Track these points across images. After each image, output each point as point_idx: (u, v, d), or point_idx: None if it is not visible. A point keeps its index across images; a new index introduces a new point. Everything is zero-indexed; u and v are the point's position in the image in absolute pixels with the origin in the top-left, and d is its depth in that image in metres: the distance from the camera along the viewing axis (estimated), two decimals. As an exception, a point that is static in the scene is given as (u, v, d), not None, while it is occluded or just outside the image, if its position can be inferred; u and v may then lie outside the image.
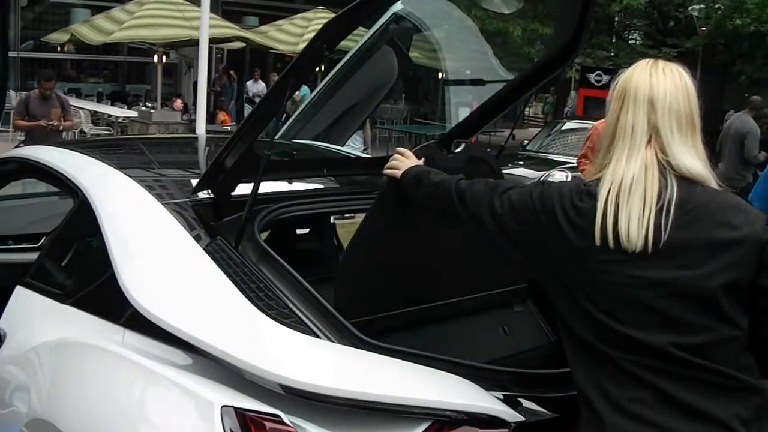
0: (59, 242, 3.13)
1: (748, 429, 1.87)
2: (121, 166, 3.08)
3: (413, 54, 4.37)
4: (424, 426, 2.06)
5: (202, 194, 2.83)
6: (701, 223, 1.91)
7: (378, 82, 4.30)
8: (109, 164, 3.13)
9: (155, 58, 17.90)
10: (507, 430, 2.09)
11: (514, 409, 2.13)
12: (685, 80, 2.02)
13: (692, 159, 1.97)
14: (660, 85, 1.99)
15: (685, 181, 1.95)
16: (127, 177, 2.95)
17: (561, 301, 2.02)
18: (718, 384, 1.88)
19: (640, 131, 1.98)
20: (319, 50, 2.36)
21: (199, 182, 2.81)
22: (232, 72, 21.22)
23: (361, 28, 3.29)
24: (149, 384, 2.31)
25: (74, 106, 13.64)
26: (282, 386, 2.03)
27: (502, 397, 2.16)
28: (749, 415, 1.88)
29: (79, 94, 19.86)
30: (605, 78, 20.75)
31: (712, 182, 1.99)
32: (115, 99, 20.31)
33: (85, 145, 4.35)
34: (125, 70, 23.82)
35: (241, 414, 2.04)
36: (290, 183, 3.21)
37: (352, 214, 9.95)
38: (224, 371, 2.19)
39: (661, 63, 2.05)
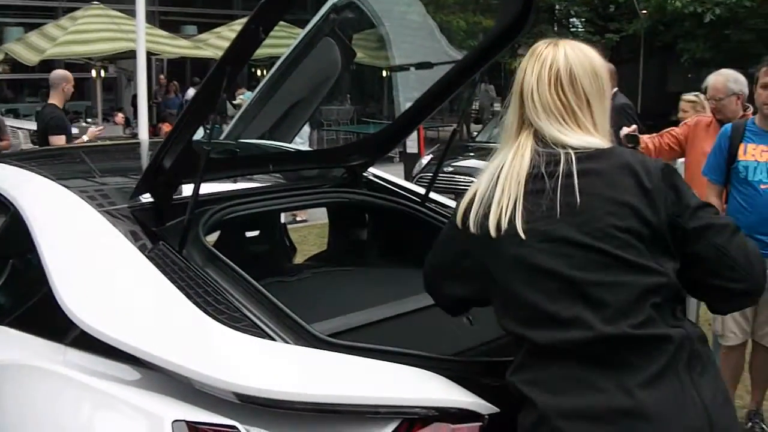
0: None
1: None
2: (55, 176, 2.92)
3: (357, 47, 4.25)
4: (393, 426, 1.93)
5: (144, 199, 2.68)
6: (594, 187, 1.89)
7: (322, 75, 4.16)
8: (41, 174, 2.97)
9: (93, 73, 17.52)
10: (481, 422, 1.96)
11: (487, 400, 2.00)
12: (559, 64, 1.98)
13: (578, 138, 1.94)
14: (529, 72, 2.00)
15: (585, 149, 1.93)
16: (61, 186, 2.79)
17: (495, 299, 2.00)
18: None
19: (511, 122, 2.02)
20: (254, 34, 2.21)
21: (137, 186, 2.66)
22: (175, 83, 20.87)
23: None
24: (95, 404, 2.14)
25: (11, 126, 13.27)
26: (236, 395, 1.88)
27: (473, 388, 2.02)
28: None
29: (17, 115, 19.38)
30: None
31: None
32: (55, 117, 19.82)
33: (20, 157, 4.16)
34: (63, 87, 23.31)
35: (194, 428, 1.89)
36: (234, 182, 3.06)
37: (305, 219, 9.88)
38: (175, 384, 2.03)
39: (541, 47, 2.03)
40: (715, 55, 19.90)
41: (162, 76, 21.02)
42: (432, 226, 3.12)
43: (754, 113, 5.15)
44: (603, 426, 1.76)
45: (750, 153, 4.45)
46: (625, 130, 5.58)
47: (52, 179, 2.88)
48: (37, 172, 3.02)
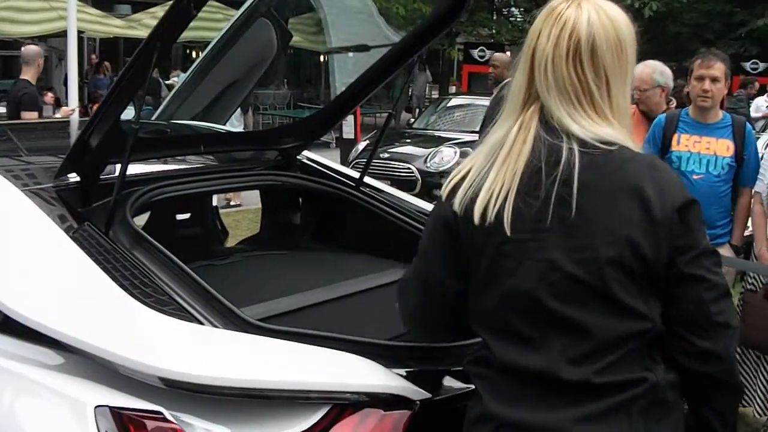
0: None
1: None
2: None
3: (294, 30, 4.19)
4: (323, 411, 1.90)
5: (71, 178, 2.60)
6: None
7: (257, 57, 4.08)
8: None
9: (22, 51, 17.04)
10: (412, 408, 1.94)
11: (419, 386, 1.98)
12: (581, 31, 1.67)
13: (589, 126, 1.68)
14: (543, 38, 1.71)
15: (592, 147, 1.67)
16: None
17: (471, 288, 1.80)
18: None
19: (518, 92, 1.75)
20: (185, 9, 2.15)
21: (62, 165, 2.58)
22: (106, 63, 20.43)
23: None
24: (16, 389, 2.07)
25: (-65, 104, 12.84)
26: (162, 379, 1.83)
27: (405, 374, 2.00)
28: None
29: (-59, 92, 18.77)
30: (489, 53, 20.95)
31: (632, 146, 1.71)
32: (-19, 95, 19.29)
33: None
34: (-9, 64, 22.69)
35: (117, 414, 1.83)
36: (165, 163, 2.99)
37: (239, 203, 9.76)
38: (99, 369, 1.97)
39: (562, 5, 1.71)
40: (652, 48, 20.22)
41: (94, 56, 20.56)
42: (366, 211, 3.10)
43: (676, 107, 5.24)
44: None
45: (683, 144, 4.53)
46: None
47: None
48: None
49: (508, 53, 23.71)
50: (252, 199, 7.54)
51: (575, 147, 1.66)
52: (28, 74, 7.64)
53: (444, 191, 1.80)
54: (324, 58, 20.36)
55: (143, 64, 2.25)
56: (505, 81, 7.86)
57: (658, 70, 5.17)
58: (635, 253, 1.63)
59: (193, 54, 20.03)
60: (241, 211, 9.22)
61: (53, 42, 18.83)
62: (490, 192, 1.69)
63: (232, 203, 9.88)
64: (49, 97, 16.52)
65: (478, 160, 1.76)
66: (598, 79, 1.68)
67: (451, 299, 1.83)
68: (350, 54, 4.00)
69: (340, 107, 3.36)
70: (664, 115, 4.75)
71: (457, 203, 1.74)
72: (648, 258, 1.64)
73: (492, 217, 1.68)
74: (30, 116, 7.22)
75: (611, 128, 1.69)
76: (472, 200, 1.71)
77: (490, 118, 7.93)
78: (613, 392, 1.65)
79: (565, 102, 1.68)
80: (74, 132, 3.92)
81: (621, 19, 1.72)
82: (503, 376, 1.72)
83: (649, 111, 5.17)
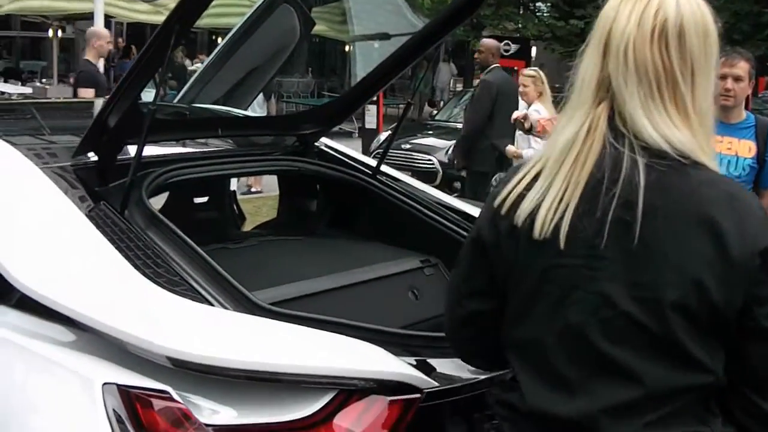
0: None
1: None
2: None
3: (318, 19, 4.19)
4: (329, 396, 1.89)
5: (90, 157, 2.61)
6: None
7: (279, 43, 4.09)
8: None
9: (50, 33, 17.18)
10: (419, 396, 1.94)
11: (427, 374, 1.98)
12: (668, 12, 1.46)
13: (664, 127, 1.46)
14: (623, 17, 1.48)
15: (663, 158, 1.45)
16: (2, 142, 2.70)
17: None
18: None
19: (588, 81, 1.53)
20: (205, -9, 2.15)
21: (80, 144, 2.59)
22: (133, 47, 20.53)
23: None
24: (27, 364, 2.08)
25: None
26: (170, 359, 1.83)
27: (414, 362, 2.00)
28: None
29: (-23, 75, 18.95)
30: (513, 47, 20.87)
31: (709, 162, 1.49)
32: (9, 76, 19.44)
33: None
34: (19, 46, 22.87)
35: (125, 391, 1.84)
36: (182, 145, 2.99)
37: (260, 190, 9.77)
38: (110, 347, 1.98)
39: None
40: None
41: (120, 40, 20.66)
42: (382, 199, 3.09)
43: None
44: None
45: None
46: (514, 115, 5.44)
47: None
48: None
49: (534, 48, 23.61)
50: (273, 186, 7.53)
51: (640, 159, 1.45)
52: (89, 54, 8.07)
53: (502, 201, 1.57)
54: (349, 48, 20.37)
55: (161, 45, 2.25)
56: (491, 66, 7.81)
57: None
58: (703, 297, 1.41)
59: (219, 40, 20.05)
60: (262, 198, 9.23)
61: (81, 25, 18.95)
62: (550, 204, 1.48)
63: (253, 189, 9.89)
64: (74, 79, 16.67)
65: (549, 162, 1.53)
66: (684, 66, 1.46)
67: (469, 318, 1.71)
68: (374, 43, 4.00)
69: (360, 95, 3.35)
70: None
71: (517, 213, 1.53)
72: (718, 305, 1.42)
73: (547, 233, 1.48)
74: (86, 93, 7.62)
75: (689, 132, 1.47)
76: (533, 212, 1.50)
77: (477, 101, 7.89)
78: None
79: (644, 93, 1.46)
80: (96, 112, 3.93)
81: (707, 9, 1.51)
82: (535, 425, 1.55)
83: None
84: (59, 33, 17.44)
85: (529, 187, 1.53)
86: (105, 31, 8.43)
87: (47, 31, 17.64)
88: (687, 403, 1.47)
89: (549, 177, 1.51)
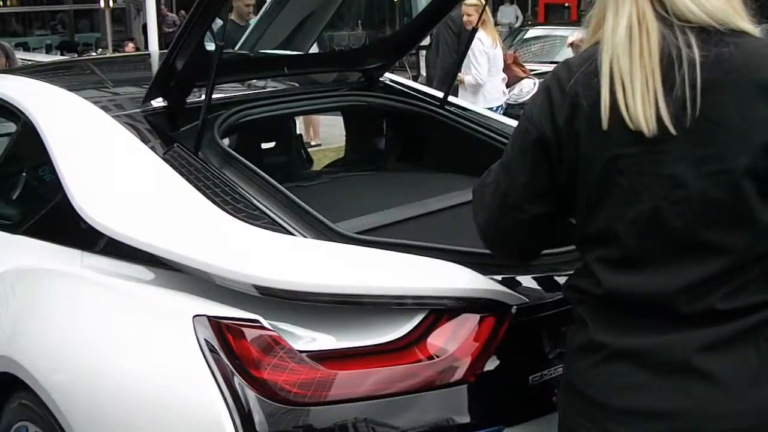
0: (3, 171, 2.89)
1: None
2: (65, 85, 2.86)
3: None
4: (420, 317, 1.88)
5: (157, 104, 2.61)
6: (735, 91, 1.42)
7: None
8: (52, 83, 2.91)
9: (102, 3, 17.35)
10: (509, 313, 1.91)
11: (515, 291, 1.95)
12: None
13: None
14: None
15: (709, 34, 1.43)
16: (70, 92, 2.73)
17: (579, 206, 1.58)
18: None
19: None
20: None
21: (149, 89, 2.59)
22: (183, 12, 20.61)
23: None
24: (114, 302, 2.12)
25: (22, 59, 13.14)
26: (257, 287, 1.84)
27: (500, 279, 1.97)
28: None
29: (27, 48, 19.21)
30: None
31: (750, 29, 1.46)
32: (65, 49, 19.72)
33: (30, 70, 4.09)
34: (72, 19, 23.14)
35: (216, 322, 1.84)
36: (248, 86, 2.98)
37: (318, 143, 9.79)
38: (193, 282, 2.00)
39: None
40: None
41: (164, 8, 20.75)
42: (452, 128, 3.04)
43: None
44: (654, 376, 1.48)
45: None
46: (569, 39, 5.33)
47: (64, 88, 2.81)
48: (48, 83, 2.95)
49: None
50: (332, 138, 7.52)
51: (692, 39, 1.43)
52: (234, 15, 7.75)
53: (562, 95, 1.52)
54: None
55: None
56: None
57: None
58: None
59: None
60: (322, 150, 9.21)
61: (130, -7, 19.14)
62: (633, 95, 1.43)
63: (312, 143, 9.89)
64: (130, 47, 16.84)
65: (603, 62, 1.47)
66: None
67: (528, 222, 1.65)
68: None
69: (422, 25, 3.29)
70: None
71: (585, 108, 1.49)
72: None
73: (641, 117, 1.43)
74: None
75: (723, 4, 1.45)
76: (613, 104, 1.45)
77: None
78: (740, 317, 1.46)
79: None
80: (155, 63, 3.95)
81: None
82: (611, 305, 1.54)
83: None
84: (110, 3, 17.57)
85: (590, 82, 1.49)
86: None
87: (99, 2, 17.78)
88: (763, 272, 1.47)
89: (624, 70, 1.45)
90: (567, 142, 1.53)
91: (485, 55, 7.07)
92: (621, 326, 1.53)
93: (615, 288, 1.52)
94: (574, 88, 1.51)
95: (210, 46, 2.49)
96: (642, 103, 1.43)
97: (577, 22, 18.38)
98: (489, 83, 7.23)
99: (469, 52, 6.45)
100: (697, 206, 1.44)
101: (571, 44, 6.13)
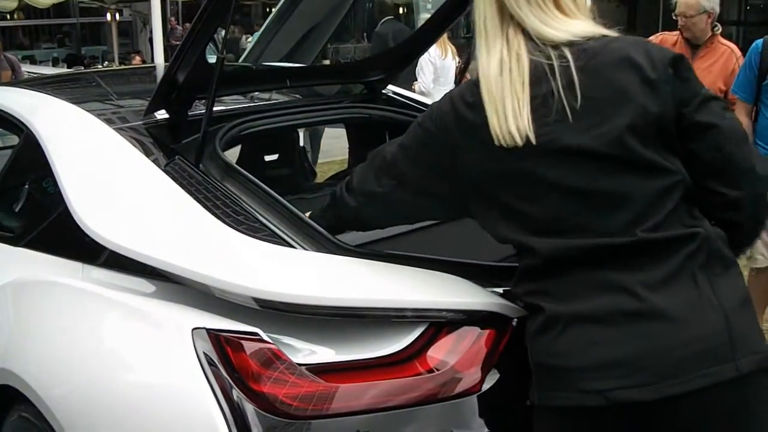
0: (5, 184, 2.89)
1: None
2: (69, 98, 2.86)
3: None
4: (420, 330, 1.88)
5: (159, 116, 2.62)
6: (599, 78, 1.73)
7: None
8: (55, 96, 2.91)
9: (108, 17, 17.42)
10: (510, 326, 1.90)
11: (516, 303, 1.93)
12: None
13: (563, 26, 1.76)
14: None
15: (577, 43, 1.74)
16: (73, 105, 2.73)
17: (490, 214, 1.84)
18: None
19: (490, 16, 1.81)
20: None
21: (151, 102, 2.59)
22: (188, 24, 20.69)
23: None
24: (113, 314, 2.11)
25: (28, 71, 13.20)
26: (256, 300, 1.83)
27: (501, 292, 1.96)
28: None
29: (33, 61, 19.33)
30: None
31: (608, 32, 1.79)
32: (72, 62, 19.80)
33: (33, 82, 4.10)
34: (79, 32, 23.23)
35: (215, 335, 1.84)
36: (250, 99, 2.98)
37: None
38: (193, 295, 1.99)
39: None
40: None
41: (173, 19, 20.83)
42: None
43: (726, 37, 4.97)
44: (612, 329, 1.67)
45: None
46: None
47: (66, 101, 2.82)
48: (51, 95, 2.96)
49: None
50: (337, 150, 7.54)
51: (563, 48, 1.73)
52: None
53: (446, 118, 1.83)
54: (403, 10, 20.19)
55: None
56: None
57: None
58: (645, 114, 1.70)
59: (272, 11, 20.10)
60: (327, 162, 9.23)
61: (137, 6, 19.21)
62: (505, 110, 1.73)
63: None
64: (136, 60, 16.91)
65: (482, 88, 1.77)
66: None
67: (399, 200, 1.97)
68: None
69: (423, 38, 3.30)
70: (762, 40, 4.52)
71: (467, 129, 1.78)
72: (658, 116, 1.71)
73: (513, 131, 1.71)
74: None
75: (584, 24, 1.78)
76: (485, 123, 1.74)
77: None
78: (669, 251, 1.69)
79: (535, 9, 1.75)
80: (159, 75, 3.95)
81: None
82: (554, 275, 1.73)
83: (693, 38, 4.90)
84: (117, 17, 17.64)
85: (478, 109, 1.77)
86: None
87: (105, 15, 17.86)
88: (672, 211, 1.72)
89: (497, 96, 1.73)
90: (467, 148, 1.80)
91: (431, 65, 7.18)
92: (569, 294, 1.71)
93: (552, 252, 1.72)
94: (471, 105, 1.78)
95: (212, 59, 2.50)
96: (513, 120, 1.72)
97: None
98: (436, 93, 7.29)
99: (419, 61, 6.69)
100: (594, 165, 1.71)
101: None
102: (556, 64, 1.72)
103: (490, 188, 1.80)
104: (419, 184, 1.92)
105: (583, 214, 1.72)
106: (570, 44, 1.74)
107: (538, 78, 1.73)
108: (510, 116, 1.72)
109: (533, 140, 1.71)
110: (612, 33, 1.79)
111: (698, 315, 1.67)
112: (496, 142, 1.73)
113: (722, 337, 1.66)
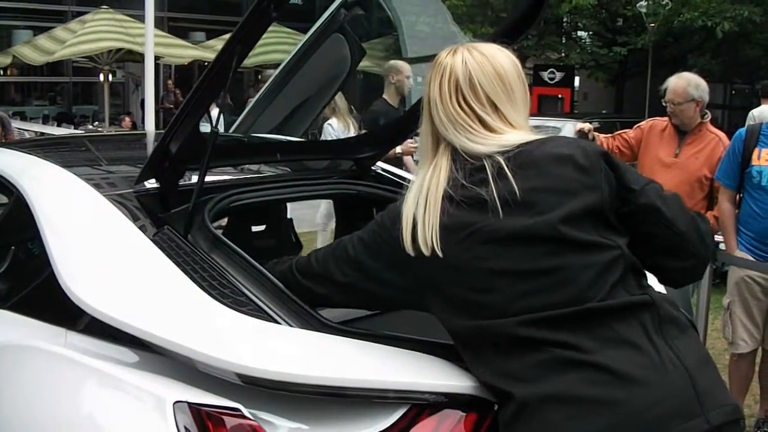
0: (-8, 244, 2.89)
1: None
2: (59, 161, 2.88)
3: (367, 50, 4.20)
4: (401, 411, 1.88)
5: (149, 185, 2.64)
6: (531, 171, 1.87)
7: (331, 72, 4.11)
8: (46, 159, 2.94)
9: (101, 77, 17.56)
10: (491, 409, 1.91)
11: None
12: (457, 72, 1.95)
13: (491, 142, 1.91)
14: (431, 87, 1.99)
15: (508, 150, 1.89)
16: (64, 170, 2.75)
17: (439, 305, 1.95)
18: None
19: (426, 138, 2.01)
20: (265, 12, 2.17)
21: (143, 171, 2.61)
22: (178, 91, 20.84)
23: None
24: (96, 383, 2.09)
25: (18, 128, 13.26)
26: (239, 376, 1.83)
27: None
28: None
29: (24, 118, 19.39)
30: (558, 75, 20.80)
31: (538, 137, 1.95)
32: (62, 120, 19.89)
33: (24, 144, 4.12)
34: (71, 91, 23.40)
35: (196, 409, 1.83)
36: (240, 171, 3.01)
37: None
38: (176, 367, 1.99)
39: (442, 56, 2.00)
40: (724, 69, 19.77)
41: (170, 82, 21.03)
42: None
43: (711, 121, 5.08)
44: (583, 404, 1.73)
45: (764, 158, 4.39)
46: (578, 126, 5.41)
47: (57, 165, 2.84)
48: (41, 158, 2.98)
49: (578, 77, 23.38)
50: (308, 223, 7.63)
51: (496, 155, 1.87)
52: (387, 92, 7.19)
53: (396, 232, 1.96)
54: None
55: (223, 67, 2.27)
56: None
57: (693, 83, 4.96)
58: (580, 199, 1.83)
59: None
60: (314, 231, 9.24)
61: (131, 68, 19.40)
62: (424, 224, 1.89)
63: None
64: (126, 121, 17.02)
65: (407, 203, 1.95)
66: (483, 108, 1.93)
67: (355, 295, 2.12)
68: (425, 66, 3.99)
69: (414, 117, 3.35)
70: (744, 128, 4.62)
71: (407, 243, 1.92)
72: (594, 202, 1.85)
73: (432, 243, 1.87)
74: None
75: (516, 135, 1.92)
76: (413, 238, 1.91)
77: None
78: (622, 318, 1.79)
79: (463, 132, 1.91)
80: (150, 143, 3.99)
81: (496, 52, 1.97)
82: (515, 357, 1.80)
83: (681, 125, 5.00)
84: (110, 77, 17.79)
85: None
86: (405, 65, 7.11)
87: (98, 75, 18.01)
88: (615, 285, 1.82)
89: (414, 209, 1.92)
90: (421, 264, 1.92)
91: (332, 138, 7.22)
92: (535, 374, 1.78)
93: (511, 332, 1.80)
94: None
95: (205, 127, 2.53)
96: (422, 232, 1.89)
97: (570, 114, 18.75)
98: None
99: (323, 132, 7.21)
100: (534, 250, 1.82)
101: (580, 130, 6.19)
102: (488, 168, 1.86)
103: (444, 284, 1.91)
104: (379, 277, 2.04)
105: (533, 295, 1.81)
106: (502, 153, 1.88)
107: (459, 185, 1.88)
108: (419, 231, 1.89)
109: (439, 253, 1.85)
110: (539, 135, 1.95)
111: (662, 376, 1.74)
112: (412, 254, 1.90)
113: (689, 394, 1.75)
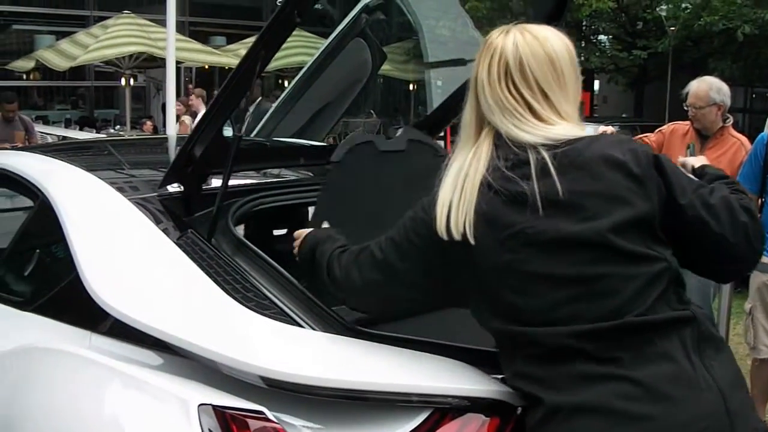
0: (18, 248, 2.92)
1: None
2: (83, 165, 2.91)
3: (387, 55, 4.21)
4: (424, 415, 1.88)
5: (172, 188, 2.65)
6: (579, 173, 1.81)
7: (352, 76, 4.13)
8: (70, 163, 2.96)
9: (123, 82, 17.65)
10: (514, 414, 1.91)
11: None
12: (508, 55, 1.87)
13: (539, 131, 1.84)
14: (479, 68, 1.92)
15: (554, 145, 1.82)
16: (89, 174, 2.78)
17: (481, 304, 1.91)
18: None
19: (469, 121, 1.94)
20: (289, 16, 2.18)
21: (166, 174, 2.63)
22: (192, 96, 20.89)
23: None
24: (120, 386, 2.11)
25: (41, 132, 13.38)
26: (263, 379, 1.84)
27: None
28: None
29: (46, 121, 19.58)
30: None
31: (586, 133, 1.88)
32: (84, 124, 20.03)
33: (48, 148, 4.16)
34: (93, 95, 23.60)
35: (220, 412, 1.84)
36: (263, 175, 3.03)
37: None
38: (201, 369, 2.00)
39: (493, 37, 1.93)
40: (744, 72, 19.63)
41: (191, 86, 21.10)
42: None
43: (732, 125, 5.04)
44: (614, 416, 1.70)
45: None
46: (599, 129, 5.40)
47: (81, 168, 2.86)
48: (66, 162, 3.01)
49: (597, 81, 23.25)
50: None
51: (540, 149, 1.81)
52: None
53: (433, 222, 1.89)
54: (413, 87, 20.46)
55: (247, 71, 2.28)
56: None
57: (714, 87, 4.93)
58: (631, 208, 1.78)
59: (285, 83, 20.37)
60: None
61: (152, 72, 19.50)
62: (461, 210, 1.83)
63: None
64: (147, 125, 17.08)
65: (445, 189, 1.88)
66: (533, 94, 1.86)
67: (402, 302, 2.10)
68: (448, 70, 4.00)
69: (436, 122, 3.36)
70: (766, 132, 4.59)
71: (449, 230, 1.85)
72: (645, 210, 1.79)
73: (470, 230, 1.82)
74: None
75: (564, 128, 1.85)
76: (455, 224, 1.84)
77: None
78: (661, 334, 1.74)
79: (510, 117, 1.84)
80: (172, 147, 4.01)
81: (550, 35, 1.90)
82: (549, 364, 1.77)
83: (703, 129, 4.97)
84: (131, 82, 17.88)
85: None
86: None
87: (120, 79, 18.11)
88: (661, 294, 1.77)
89: (453, 194, 1.86)
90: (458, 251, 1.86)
91: None
92: (568, 384, 1.74)
93: (548, 341, 1.76)
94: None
95: (228, 131, 2.55)
96: (454, 218, 1.84)
97: (590, 117, 18.68)
98: None
99: None
100: (582, 255, 1.77)
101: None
102: (532, 163, 1.80)
103: (482, 281, 1.86)
104: (409, 279, 1.98)
105: (574, 303, 1.76)
106: (547, 146, 1.81)
107: (502, 175, 1.81)
108: (453, 215, 1.83)
109: (471, 239, 1.81)
110: (588, 132, 1.90)
111: (696, 395, 1.71)
112: (446, 238, 1.84)
113: (720, 414, 1.71)
